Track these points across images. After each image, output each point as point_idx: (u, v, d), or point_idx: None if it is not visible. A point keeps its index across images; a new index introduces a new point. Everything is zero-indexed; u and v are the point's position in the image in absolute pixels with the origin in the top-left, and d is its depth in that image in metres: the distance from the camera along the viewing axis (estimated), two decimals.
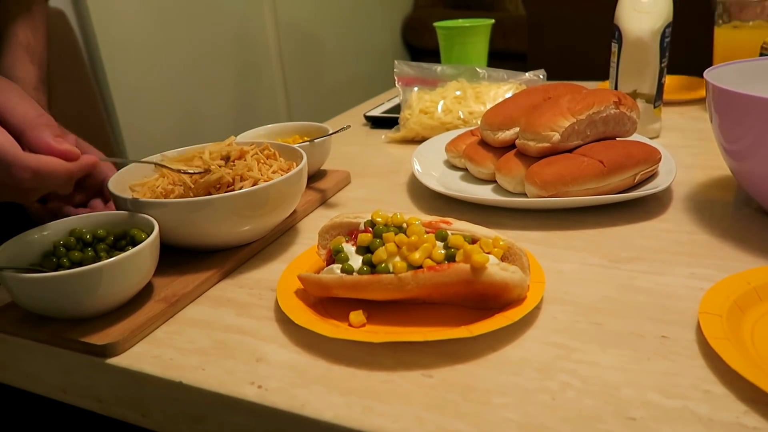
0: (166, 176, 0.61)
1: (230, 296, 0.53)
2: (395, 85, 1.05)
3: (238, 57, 1.79)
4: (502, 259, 0.47)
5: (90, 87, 1.17)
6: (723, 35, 0.99)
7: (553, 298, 0.49)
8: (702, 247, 0.55)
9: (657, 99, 0.87)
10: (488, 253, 0.45)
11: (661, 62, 0.85)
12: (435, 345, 0.43)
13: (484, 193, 0.70)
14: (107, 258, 0.46)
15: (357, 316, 0.46)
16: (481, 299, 0.45)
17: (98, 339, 0.45)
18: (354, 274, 0.45)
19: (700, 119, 0.96)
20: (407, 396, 0.39)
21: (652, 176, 0.67)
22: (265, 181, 0.57)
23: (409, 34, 3.01)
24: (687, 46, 1.24)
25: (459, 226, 0.48)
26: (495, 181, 0.71)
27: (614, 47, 0.87)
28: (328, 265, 0.49)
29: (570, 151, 0.66)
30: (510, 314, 0.44)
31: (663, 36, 0.83)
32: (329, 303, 0.48)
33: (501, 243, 0.47)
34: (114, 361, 0.45)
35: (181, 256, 0.57)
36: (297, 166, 0.59)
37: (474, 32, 1.17)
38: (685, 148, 0.83)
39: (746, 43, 0.93)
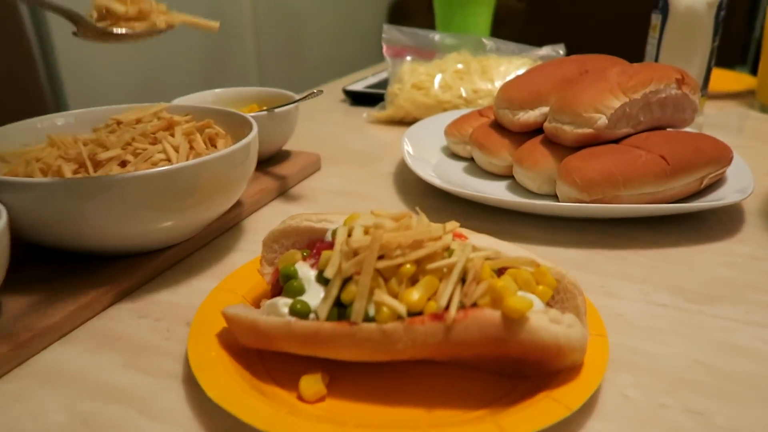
0: (60, 146, 0.43)
1: (121, 332, 0.35)
2: (383, 57, 0.87)
3: (209, 18, 1.60)
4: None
5: (23, 31, 0.99)
6: None
7: (617, 361, 0.32)
8: None
9: (703, 86, 0.71)
10: (528, 292, 0.28)
11: (713, 41, 0.69)
12: None
13: (496, 191, 0.53)
14: None
15: (312, 383, 0.28)
16: (516, 365, 0.28)
17: None
18: (311, 317, 0.28)
19: (743, 116, 0.82)
20: None
21: (716, 182, 0.51)
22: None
23: (396, 19, 2.85)
24: None
25: (479, 243, 0.31)
26: (511, 177, 0.54)
27: (655, 19, 0.71)
28: (273, 294, 0.31)
29: (616, 141, 0.50)
30: (561, 395, 0.27)
31: (719, 8, 0.67)
32: (273, 355, 0.31)
33: (549, 276, 0.29)
34: None
35: (50, 265, 0.39)
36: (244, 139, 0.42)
37: (478, 0, 0.99)
38: (738, 149, 0.68)
39: None
